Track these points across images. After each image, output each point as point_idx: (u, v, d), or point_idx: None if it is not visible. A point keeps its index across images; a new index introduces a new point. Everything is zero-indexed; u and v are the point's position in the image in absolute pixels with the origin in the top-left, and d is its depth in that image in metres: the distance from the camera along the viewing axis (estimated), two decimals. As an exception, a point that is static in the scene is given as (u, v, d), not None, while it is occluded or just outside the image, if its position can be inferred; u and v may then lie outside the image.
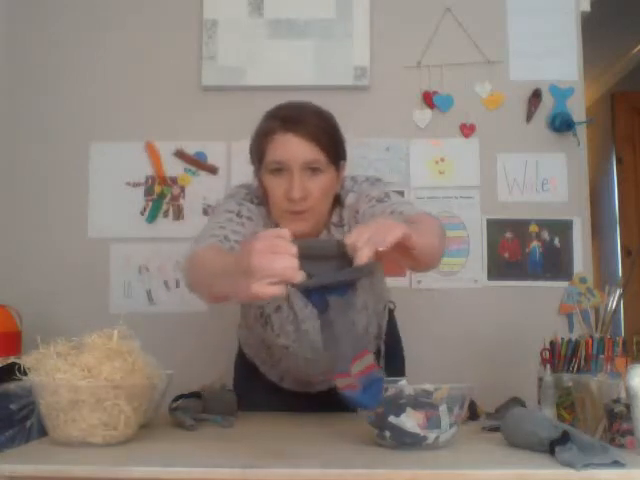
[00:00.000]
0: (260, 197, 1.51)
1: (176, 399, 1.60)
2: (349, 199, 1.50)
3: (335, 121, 1.48)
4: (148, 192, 2.40)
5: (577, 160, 2.40)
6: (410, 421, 1.24)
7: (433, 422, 1.24)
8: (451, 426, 1.26)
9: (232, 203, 1.49)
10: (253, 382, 1.77)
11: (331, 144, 1.43)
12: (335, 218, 1.51)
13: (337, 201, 1.51)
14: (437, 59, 2.41)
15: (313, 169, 1.41)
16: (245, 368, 1.82)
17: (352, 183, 1.53)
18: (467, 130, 2.39)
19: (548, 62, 2.41)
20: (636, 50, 3.85)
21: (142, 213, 2.39)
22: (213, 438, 1.41)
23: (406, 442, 1.24)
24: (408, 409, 1.24)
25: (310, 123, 1.40)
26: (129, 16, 2.46)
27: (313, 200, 1.41)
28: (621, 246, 4.00)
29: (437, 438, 1.24)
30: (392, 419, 1.25)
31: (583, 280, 2.33)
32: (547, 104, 2.40)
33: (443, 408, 1.24)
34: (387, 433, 1.26)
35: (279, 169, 1.41)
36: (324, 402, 1.61)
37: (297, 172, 1.38)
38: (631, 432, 1.23)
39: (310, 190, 1.40)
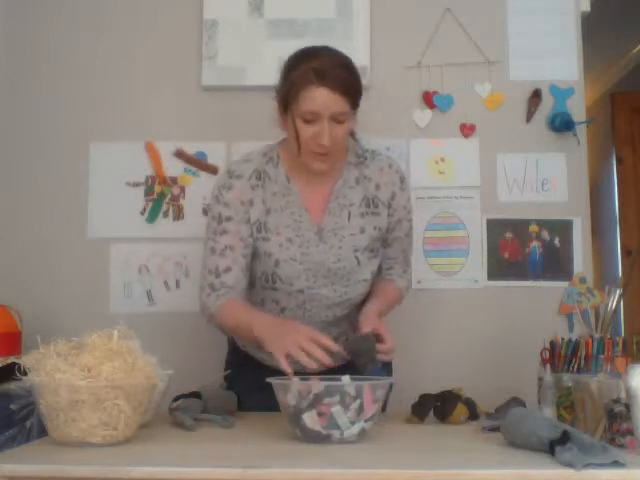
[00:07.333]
0: (276, 157, 1.73)
1: (176, 399, 1.60)
2: (370, 168, 1.76)
3: (358, 72, 1.66)
4: (148, 192, 2.40)
5: (577, 160, 2.39)
6: (310, 421, 1.28)
7: (331, 423, 1.28)
8: (353, 423, 1.28)
9: (216, 206, 1.71)
10: (248, 380, 1.79)
11: (357, 97, 1.64)
12: (352, 158, 1.76)
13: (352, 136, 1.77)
14: (437, 59, 2.40)
15: (339, 119, 1.60)
16: (238, 367, 1.84)
17: (372, 154, 1.79)
18: (467, 130, 2.39)
19: (548, 62, 2.41)
20: (636, 50, 3.85)
21: (142, 213, 2.39)
22: (213, 438, 1.41)
23: (313, 439, 1.29)
24: (307, 412, 1.29)
25: (342, 78, 1.59)
26: (129, 16, 2.45)
27: (337, 144, 1.64)
28: (621, 246, 4.00)
29: (342, 435, 1.29)
30: (299, 418, 1.30)
31: (583, 280, 2.33)
32: (547, 104, 2.39)
33: (335, 409, 1.27)
34: (298, 431, 1.31)
35: (311, 118, 1.60)
36: None
37: (327, 121, 1.59)
38: (631, 432, 1.23)
39: (335, 136, 1.61)
